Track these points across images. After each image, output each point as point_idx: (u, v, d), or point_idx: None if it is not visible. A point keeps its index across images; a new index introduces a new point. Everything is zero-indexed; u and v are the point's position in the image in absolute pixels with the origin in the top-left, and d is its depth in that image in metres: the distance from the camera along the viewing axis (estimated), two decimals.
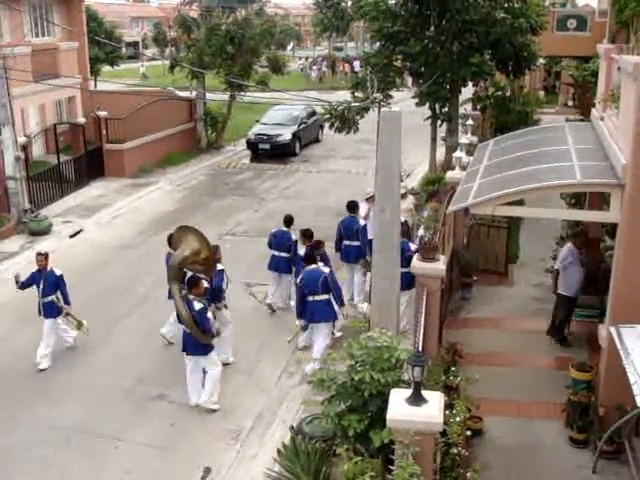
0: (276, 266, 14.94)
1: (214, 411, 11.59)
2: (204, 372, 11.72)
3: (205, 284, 11.77)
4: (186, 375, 11.72)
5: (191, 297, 11.39)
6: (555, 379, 11.38)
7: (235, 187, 26.12)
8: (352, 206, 15.52)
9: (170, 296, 12.32)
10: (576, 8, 35.11)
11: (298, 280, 12.84)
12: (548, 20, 23.74)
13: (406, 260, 11.62)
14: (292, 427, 10.25)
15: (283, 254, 14.79)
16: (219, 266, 12.72)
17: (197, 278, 11.67)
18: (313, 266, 12.69)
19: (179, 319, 11.69)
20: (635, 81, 8.92)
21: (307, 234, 14.16)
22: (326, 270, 12.69)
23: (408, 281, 11.77)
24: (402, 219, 11.44)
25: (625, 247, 9.42)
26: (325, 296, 12.47)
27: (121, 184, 25.75)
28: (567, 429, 10.23)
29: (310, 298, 12.49)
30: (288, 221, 15.10)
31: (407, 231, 13.92)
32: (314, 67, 62.74)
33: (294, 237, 14.76)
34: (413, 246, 13.38)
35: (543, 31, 22.15)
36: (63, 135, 26.94)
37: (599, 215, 11.71)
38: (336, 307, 12.62)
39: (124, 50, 58.85)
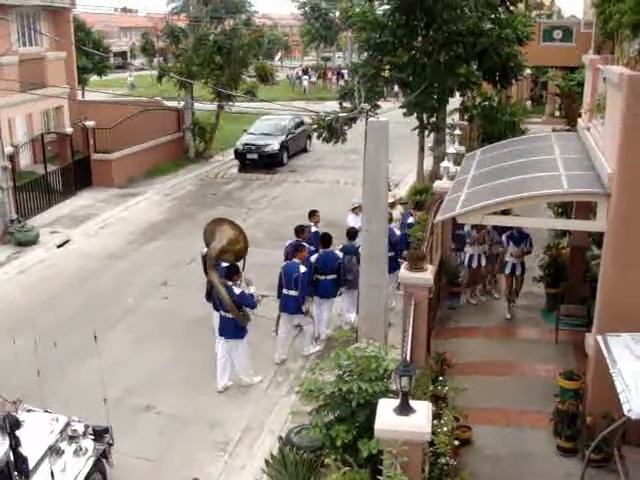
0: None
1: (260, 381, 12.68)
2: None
3: (252, 288, 12.65)
4: (217, 360, 12.50)
5: (230, 283, 12.27)
6: (543, 388, 11.40)
7: (223, 197, 26.11)
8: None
9: (209, 298, 13.07)
10: (562, 19, 35.44)
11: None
12: (534, 31, 23.90)
13: (391, 244, 12.73)
14: (280, 437, 10.22)
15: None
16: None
17: (236, 267, 12.64)
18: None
19: (215, 306, 12.64)
20: (620, 91, 8.99)
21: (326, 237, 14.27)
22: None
23: (395, 263, 13.24)
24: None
25: (611, 256, 9.47)
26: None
27: (109, 194, 25.68)
28: (555, 438, 10.24)
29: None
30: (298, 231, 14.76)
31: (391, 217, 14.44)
32: (304, 77, 62.96)
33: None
34: (397, 231, 14.58)
35: (529, 42, 22.33)
36: (51, 145, 26.80)
37: (586, 224, 11.77)
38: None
39: (112, 60, 58.76)
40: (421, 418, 7.10)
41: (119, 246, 20.41)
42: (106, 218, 23.12)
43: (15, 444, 7.90)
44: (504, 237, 14.57)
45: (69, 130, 27.39)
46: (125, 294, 16.55)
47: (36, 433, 8.82)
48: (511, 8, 21.72)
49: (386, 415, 7.14)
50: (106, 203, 24.70)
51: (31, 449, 8.30)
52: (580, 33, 27.11)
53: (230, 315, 12.16)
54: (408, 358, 8.89)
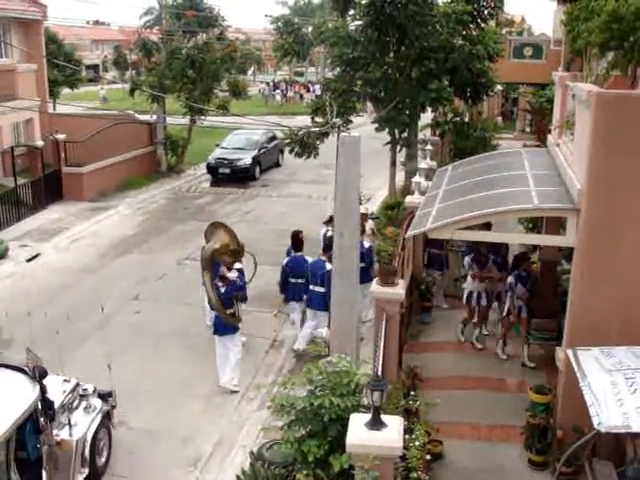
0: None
1: (237, 391, 12.94)
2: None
3: (234, 274, 13.43)
4: (216, 356, 13.14)
5: (220, 284, 13.03)
6: (514, 402, 11.46)
7: (195, 211, 26.02)
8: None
9: (212, 306, 13.39)
10: (532, 37, 35.80)
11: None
12: (505, 48, 24.20)
13: (361, 255, 12.60)
14: (252, 453, 10.15)
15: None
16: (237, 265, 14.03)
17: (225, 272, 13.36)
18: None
19: (211, 304, 13.26)
20: (589, 108, 9.11)
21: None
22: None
23: (367, 275, 13.29)
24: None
25: (581, 270, 9.56)
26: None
27: (80, 208, 25.50)
28: (526, 452, 10.29)
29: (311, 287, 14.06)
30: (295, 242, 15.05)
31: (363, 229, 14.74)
32: (277, 91, 63.17)
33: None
34: (367, 243, 14.76)
35: (500, 58, 22.58)
36: (21, 158, 26.63)
37: (556, 239, 11.88)
38: None
39: (84, 73, 58.49)
40: (393, 433, 7.09)
41: (90, 260, 20.25)
42: (77, 232, 22.93)
43: (43, 391, 9.02)
44: (512, 278, 13.19)
45: (40, 143, 27.22)
46: (96, 308, 16.31)
47: (51, 391, 9.55)
48: (482, 25, 21.94)
49: (358, 430, 7.14)
50: (77, 217, 24.51)
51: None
52: (550, 50, 27.43)
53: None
54: (379, 373, 8.89)
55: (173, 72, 30.11)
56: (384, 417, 7.25)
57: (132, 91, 31.93)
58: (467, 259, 14.25)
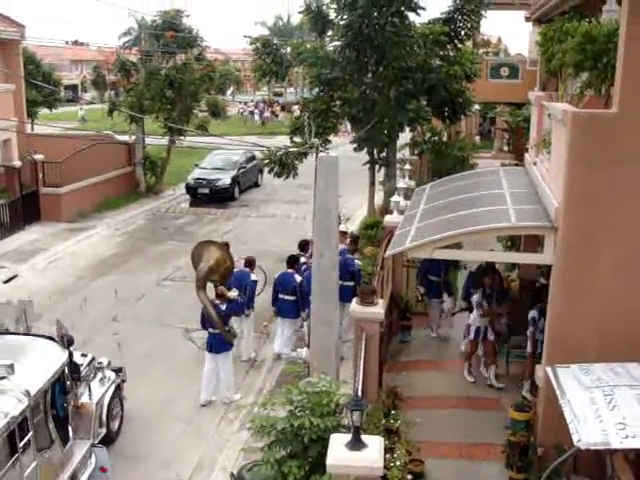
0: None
1: (232, 402, 13.23)
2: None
3: (234, 293, 13.81)
4: (203, 373, 13.28)
5: (217, 302, 13.20)
6: (495, 420, 11.46)
7: (174, 232, 25.95)
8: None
9: (205, 325, 13.47)
10: (508, 57, 36.16)
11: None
12: (482, 68, 24.41)
13: (350, 274, 14.36)
14: (232, 474, 10.08)
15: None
16: (253, 276, 14.86)
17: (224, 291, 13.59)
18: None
19: (203, 324, 13.43)
20: (564, 127, 9.21)
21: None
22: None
23: (352, 293, 13.02)
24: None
25: (559, 288, 9.62)
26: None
27: (58, 228, 25.36)
28: (507, 470, 10.26)
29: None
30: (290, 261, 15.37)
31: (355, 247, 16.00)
32: (256, 111, 63.32)
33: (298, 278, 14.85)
34: (358, 262, 15.08)
35: (477, 78, 22.79)
36: None
37: (534, 257, 11.93)
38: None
39: (62, 93, 58.31)
40: (373, 453, 7.08)
41: (68, 281, 20.10)
42: (55, 253, 22.78)
43: (70, 355, 10.43)
44: (535, 312, 12.23)
45: (17, 163, 27.00)
46: (74, 330, 16.22)
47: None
48: (459, 46, 22.17)
49: (338, 450, 7.12)
50: (55, 237, 24.36)
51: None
52: (526, 70, 27.68)
53: (217, 331, 13.06)
54: (360, 392, 8.88)
55: (152, 92, 30.11)
56: (364, 437, 7.23)
57: (111, 111, 31.86)
58: (476, 297, 13.35)
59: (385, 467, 7.62)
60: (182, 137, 30.65)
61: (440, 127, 25.82)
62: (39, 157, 26.01)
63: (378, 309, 11.04)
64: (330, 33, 22.17)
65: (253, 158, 33.16)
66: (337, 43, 21.70)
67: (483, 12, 22.23)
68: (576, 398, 7.91)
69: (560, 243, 9.44)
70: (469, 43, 23.98)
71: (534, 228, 10.29)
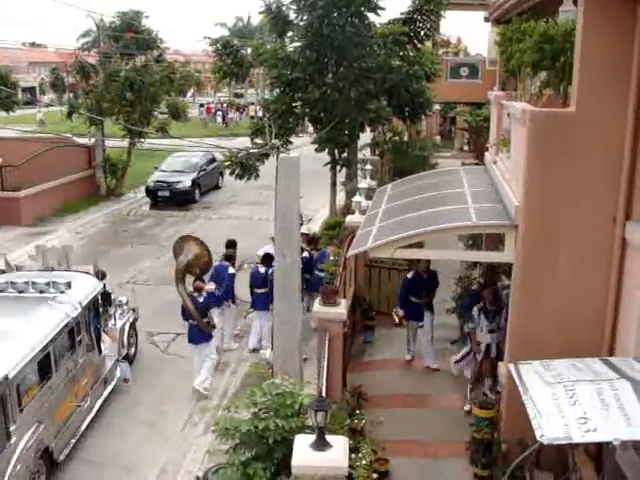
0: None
1: (205, 396, 13.43)
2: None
3: (212, 286, 14.26)
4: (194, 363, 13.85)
5: (195, 294, 13.70)
6: (459, 418, 11.55)
7: (136, 234, 25.74)
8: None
9: (185, 317, 13.82)
10: (468, 57, 36.39)
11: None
12: (442, 68, 24.52)
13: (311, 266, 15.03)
14: (198, 477, 10.05)
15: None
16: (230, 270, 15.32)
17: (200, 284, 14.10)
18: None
19: (184, 315, 13.79)
20: (523, 126, 9.29)
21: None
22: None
23: (319, 284, 13.03)
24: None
25: (520, 286, 9.69)
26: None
27: (17, 233, 25.02)
28: (472, 466, 10.33)
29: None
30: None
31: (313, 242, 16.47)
32: (219, 112, 63.14)
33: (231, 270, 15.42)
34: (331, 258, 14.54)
35: (437, 78, 22.91)
36: None
37: (495, 255, 11.98)
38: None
39: (20, 96, 57.58)
40: (338, 453, 7.07)
41: None
42: (14, 258, 22.37)
43: (104, 286, 13.69)
44: (476, 309, 12.20)
45: None
46: None
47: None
48: (419, 46, 22.26)
49: (303, 451, 7.10)
50: (14, 242, 23.99)
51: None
52: (485, 70, 27.82)
53: (196, 322, 13.53)
54: (324, 393, 8.88)
55: (111, 95, 29.83)
56: (329, 437, 7.22)
57: (70, 114, 31.55)
58: (476, 309, 12.41)
59: (350, 467, 7.62)
60: (142, 139, 30.40)
61: (401, 127, 25.97)
62: None
63: (341, 309, 11.04)
64: (290, 34, 22.17)
65: (214, 160, 32.99)
66: (297, 44, 21.72)
67: (442, 12, 22.38)
68: (538, 394, 7.96)
69: (520, 241, 9.51)
70: (429, 43, 24.10)
71: (494, 226, 10.36)
